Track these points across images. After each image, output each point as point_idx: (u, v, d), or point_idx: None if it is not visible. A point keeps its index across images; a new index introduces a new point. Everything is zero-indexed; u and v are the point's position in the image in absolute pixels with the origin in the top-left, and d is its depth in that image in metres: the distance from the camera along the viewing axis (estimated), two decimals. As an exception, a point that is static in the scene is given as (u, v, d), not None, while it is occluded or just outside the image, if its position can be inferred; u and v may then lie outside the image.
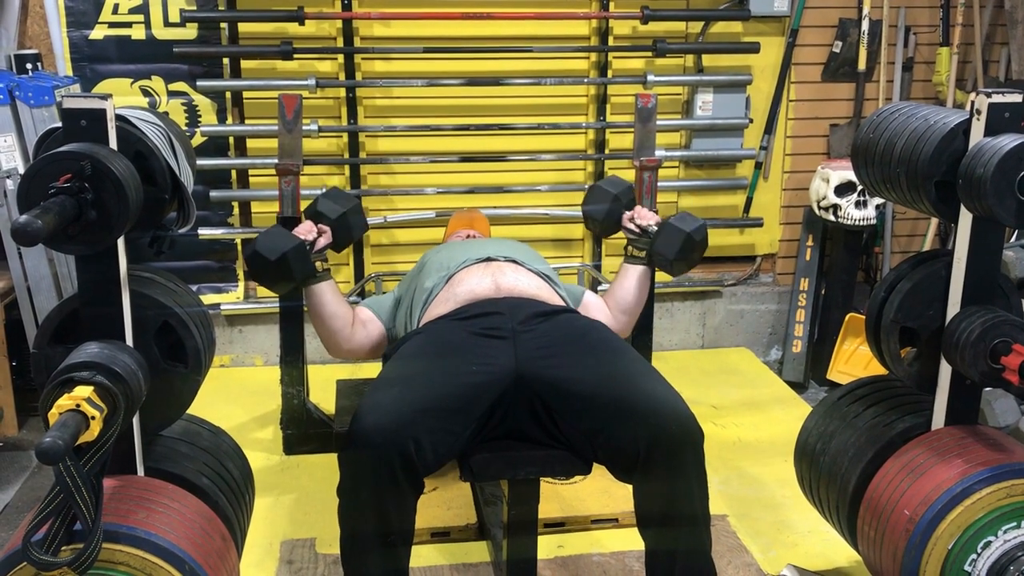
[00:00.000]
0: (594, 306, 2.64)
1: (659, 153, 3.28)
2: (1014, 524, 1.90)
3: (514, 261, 2.47)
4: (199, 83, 3.62)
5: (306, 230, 2.49)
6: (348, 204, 2.59)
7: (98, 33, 3.59)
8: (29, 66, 3.38)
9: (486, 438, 2.08)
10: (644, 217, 2.64)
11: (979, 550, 1.90)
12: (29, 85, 3.21)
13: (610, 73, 3.88)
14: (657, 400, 2.01)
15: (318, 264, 2.47)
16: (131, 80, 3.65)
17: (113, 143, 1.68)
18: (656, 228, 2.57)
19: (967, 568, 1.91)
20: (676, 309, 4.20)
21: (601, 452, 2.05)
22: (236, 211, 3.83)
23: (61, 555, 1.56)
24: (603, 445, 2.03)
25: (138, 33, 3.61)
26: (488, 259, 2.45)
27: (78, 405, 1.49)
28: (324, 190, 2.67)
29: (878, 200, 3.74)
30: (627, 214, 2.69)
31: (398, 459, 1.89)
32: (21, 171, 3.17)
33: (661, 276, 3.96)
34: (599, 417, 2.01)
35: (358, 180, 3.80)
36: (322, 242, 2.50)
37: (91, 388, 1.54)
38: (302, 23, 3.59)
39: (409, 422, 1.92)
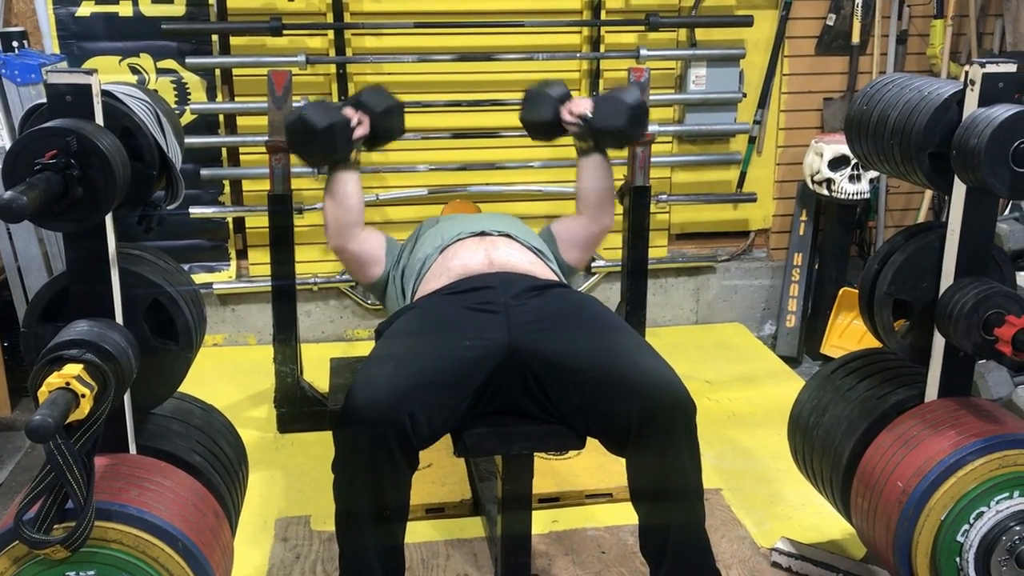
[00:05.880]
0: (565, 228, 2.66)
1: (652, 128, 3.27)
2: (1007, 495, 1.91)
3: (508, 236, 2.46)
4: (188, 60, 3.58)
5: (349, 113, 2.48)
6: (391, 102, 2.59)
7: (85, 10, 3.55)
8: (15, 44, 3.34)
9: (480, 413, 2.08)
10: (580, 105, 2.61)
11: (972, 521, 1.91)
12: (15, 63, 3.17)
13: (603, 48, 3.85)
14: (649, 373, 2.01)
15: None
16: (119, 58, 3.61)
17: (99, 119, 1.66)
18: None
19: (959, 539, 1.92)
20: (670, 285, 4.20)
21: (594, 425, 2.05)
22: (227, 189, 3.81)
23: (53, 533, 1.56)
24: (596, 418, 2.03)
25: (125, 10, 3.57)
26: (483, 233, 2.45)
27: (68, 383, 1.49)
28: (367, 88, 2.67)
29: (872, 174, 3.73)
30: (564, 108, 2.64)
31: (393, 434, 1.89)
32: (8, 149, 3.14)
33: (654, 252, 3.97)
34: (592, 391, 2.01)
35: (350, 157, 3.78)
36: (360, 131, 2.49)
37: (81, 366, 1.53)
38: (291, -2, 3.56)
39: (403, 397, 1.92)
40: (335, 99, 3.71)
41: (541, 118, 2.64)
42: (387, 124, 2.56)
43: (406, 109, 2.65)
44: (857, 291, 2.21)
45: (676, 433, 1.98)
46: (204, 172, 3.69)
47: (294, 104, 3.18)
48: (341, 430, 1.98)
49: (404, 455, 1.93)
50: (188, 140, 3.17)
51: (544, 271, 2.38)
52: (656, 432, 1.97)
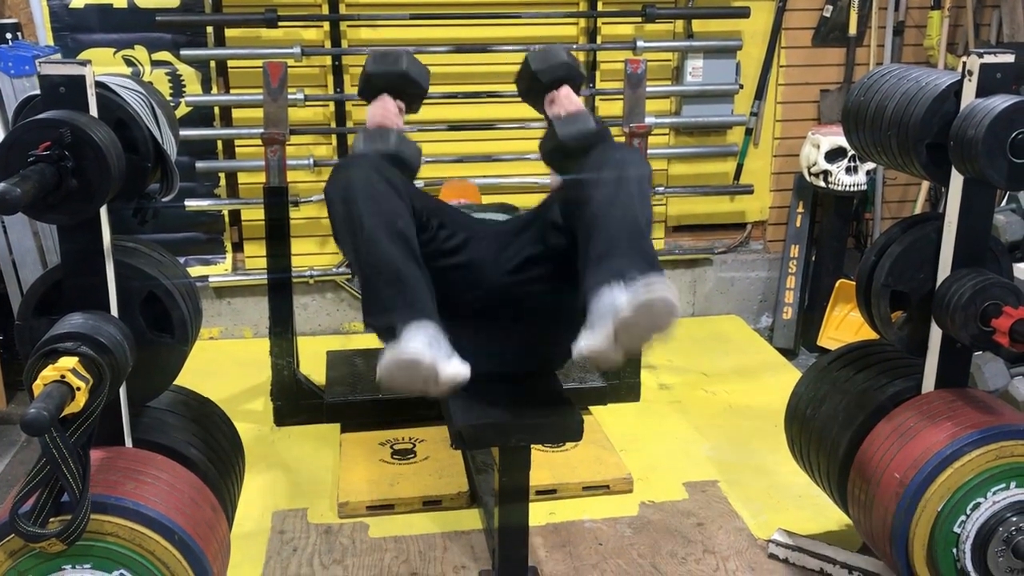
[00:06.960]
0: None
1: (649, 120, 3.26)
2: (1003, 485, 1.91)
3: None
4: (183, 52, 3.56)
5: (394, 114, 2.32)
6: (426, 78, 2.49)
7: (79, 2, 3.52)
8: (9, 36, 3.33)
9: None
10: (558, 106, 2.10)
11: (968, 512, 1.91)
12: (9, 55, 3.16)
13: (599, 39, 3.84)
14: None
15: None
16: (114, 50, 3.59)
17: (93, 110, 1.65)
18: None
19: (956, 530, 1.92)
20: (666, 277, 4.19)
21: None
22: (223, 182, 3.80)
23: (49, 527, 1.55)
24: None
25: (120, 1, 3.55)
26: None
27: (63, 376, 1.48)
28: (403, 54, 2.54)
29: (869, 165, 3.72)
30: (548, 99, 2.13)
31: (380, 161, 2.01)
32: (3, 142, 3.13)
33: (651, 244, 3.96)
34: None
35: (345, 149, 3.76)
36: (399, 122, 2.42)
37: (76, 359, 1.53)
38: (286, -10, 3.54)
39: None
40: (330, 91, 3.69)
41: (528, 101, 2.51)
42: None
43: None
44: (854, 283, 2.21)
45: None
46: (199, 164, 3.67)
47: (289, 96, 3.16)
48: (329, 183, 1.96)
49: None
50: (183, 132, 3.17)
51: None
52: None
